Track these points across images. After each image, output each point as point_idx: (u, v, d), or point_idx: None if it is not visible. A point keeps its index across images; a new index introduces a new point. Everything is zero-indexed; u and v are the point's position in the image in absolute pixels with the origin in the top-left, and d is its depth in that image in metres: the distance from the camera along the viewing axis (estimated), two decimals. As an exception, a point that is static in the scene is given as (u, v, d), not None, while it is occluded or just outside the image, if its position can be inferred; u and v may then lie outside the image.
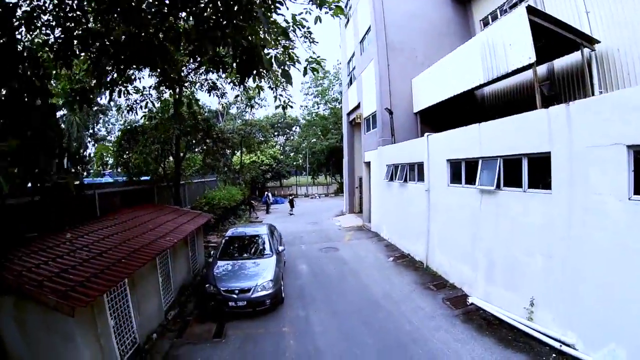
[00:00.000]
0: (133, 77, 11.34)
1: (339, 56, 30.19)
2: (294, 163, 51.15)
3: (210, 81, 15.18)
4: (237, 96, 14.99)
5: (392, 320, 7.75)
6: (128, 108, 14.06)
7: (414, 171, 12.72)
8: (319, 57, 6.32)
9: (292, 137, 57.01)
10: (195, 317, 8.53)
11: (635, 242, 4.93)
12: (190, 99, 12.99)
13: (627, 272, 5.04)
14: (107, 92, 6.27)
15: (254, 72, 4.74)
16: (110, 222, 8.55)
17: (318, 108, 49.87)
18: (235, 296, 8.18)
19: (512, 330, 6.87)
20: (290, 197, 30.97)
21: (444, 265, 10.29)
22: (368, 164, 19.19)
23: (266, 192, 32.29)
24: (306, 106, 51.11)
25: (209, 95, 15.33)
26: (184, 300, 9.47)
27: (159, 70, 6.14)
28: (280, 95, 9.71)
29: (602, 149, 5.47)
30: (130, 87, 10.67)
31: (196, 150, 15.86)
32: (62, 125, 33.67)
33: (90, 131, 36.59)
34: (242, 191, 27.97)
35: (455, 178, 10.07)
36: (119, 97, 7.81)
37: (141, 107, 14.10)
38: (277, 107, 10.29)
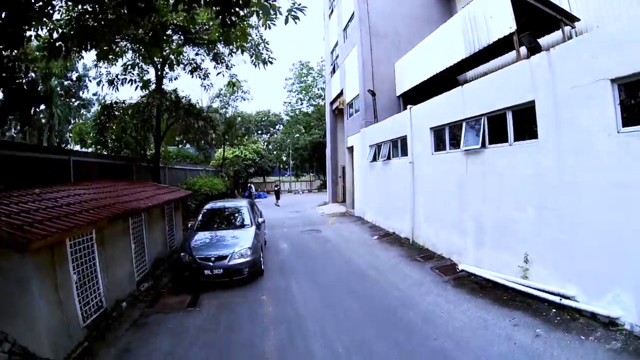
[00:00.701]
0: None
1: (322, 53, 29.73)
2: (277, 159, 50.61)
3: (193, 62, 14.77)
4: (219, 73, 14.33)
5: (379, 288, 7.32)
6: (109, 81, 13.59)
7: (397, 147, 12.48)
8: (300, 4, 5.96)
9: (275, 135, 56.53)
10: (170, 289, 7.94)
11: (629, 174, 4.72)
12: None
13: (625, 209, 4.78)
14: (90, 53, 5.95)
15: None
16: (84, 187, 7.95)
17: (302, 104, 49.80)
18: (211, 264, 7.65)
19: (506, 291, 6.50)
20: (277, 187, 29.86)
21: (431, 238, 10.02)
22: (351, 149, 18.92)
23: (249, 184, 31.49)
24: (289, 102, 51.03)
25: (192, 77, 14.81)
26: (159, 274, 8.87)
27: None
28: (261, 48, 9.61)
29: (586, 88, 5.34)
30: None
31: (178, 132, 15.25)
32: (43, 120, 32.58)
33: (72, 125, 35.35)
34: (225, 183, 27.31)
35: (439, 146, 9.85)
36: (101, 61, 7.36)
37: (122, 83, 13.69)
38: (256, 63, 10.10)
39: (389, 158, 13.09)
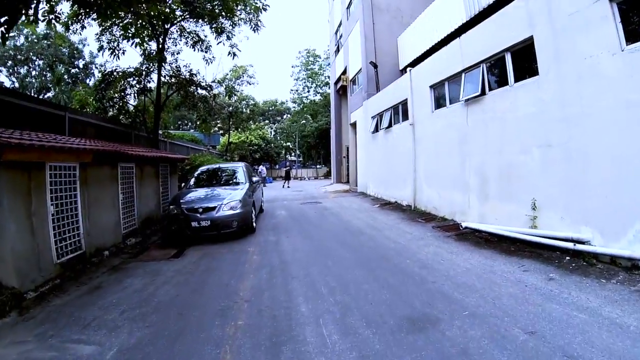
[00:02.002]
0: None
1: (328, 39, 29.01)
2: (283, 145, 50.34)
3: (194, 34, 14.45)
4: (219, 42, 13.97)
5: (375, 241, 6.90)
6: (111, 50, 13.42)
7: (398, 113, 11.99)
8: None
9: (282, 123, 56.25)
10: (157, 244, 7.72)
11: (638, 92, 4.26)
12: None
13: (638, 131, 4.34)
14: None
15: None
16: (77, 138, 7.82)
17: (308, 92, 49.35)
18: (198, 215, 7.36)
19: (514, 243, 5.99)
20: (288, 168, 29.29)
21: (433, 201, 9.57)
22: (354, 124, 18.47)
23: (261, 166, 30.55)
24: (296, 90, 50.62)
25: (194, 50, 14.49)
26: (149, 233, 8.67)
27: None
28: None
29: (584, 12, 5.02)
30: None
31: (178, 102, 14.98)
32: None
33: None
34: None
35: (439, 103, 9.39)
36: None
37: (123, 52, 13.52)
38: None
39: (390, 126, 12.62)
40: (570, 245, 5.10)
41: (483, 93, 7.34)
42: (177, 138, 21.02)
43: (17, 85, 34.85)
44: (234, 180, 9.23)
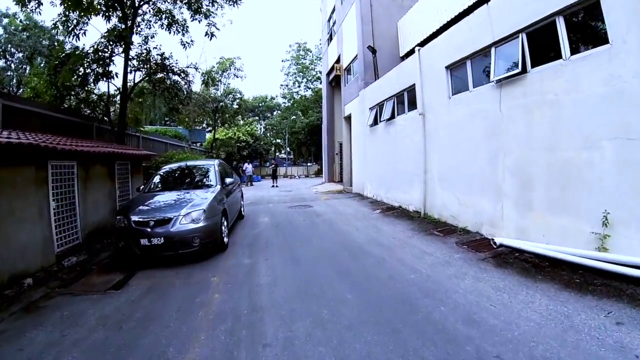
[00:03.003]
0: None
1: (319, 35, 26.95)
2: (273, 142, 48.44)
3: (168, 12, 12.47)
4: (193, 19, 12.09)
5: (386, 268, 5.10)
6: (69, 30, 11.42)
7: (404, 102, 10.22)
8: None
9: (272, 120, 54.31)
10: (103, 266, 5.88)
11: None
12: None
13: None
14: None
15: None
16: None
17: (299, 87, 47.47)
18: (149, 230, 5.53)
19: (575, 270, 4.32)
20: (274, 165, 27.04)
21: (450, 207, 7.84)
22: (348, 118, 16.68)
23: (247, 163, 27.90)
24: (287, 85, 48.68)
25: (169, 33, 12.52)
26: (98, 248, 6.84)
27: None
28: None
29: None
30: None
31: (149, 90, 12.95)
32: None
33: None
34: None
35: (458, 87, 7.69)
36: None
37: (84, 32, 11.52)
38: None
39: (392, 117, 10.85)
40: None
41: (524, 71, 5.61)
42: (152, 133, 19.05)
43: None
44: (204, 182, 7.39)
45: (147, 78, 12.15)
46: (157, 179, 7.76)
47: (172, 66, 12.26)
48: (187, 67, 12.61)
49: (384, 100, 11.61)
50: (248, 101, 50.29)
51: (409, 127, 9.64)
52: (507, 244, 5.56)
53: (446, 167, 7.99)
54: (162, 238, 5.52)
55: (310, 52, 46.65)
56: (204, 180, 7.44)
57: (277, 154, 50.13)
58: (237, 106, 30.55)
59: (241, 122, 38.46)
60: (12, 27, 31.44)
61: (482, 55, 6.75)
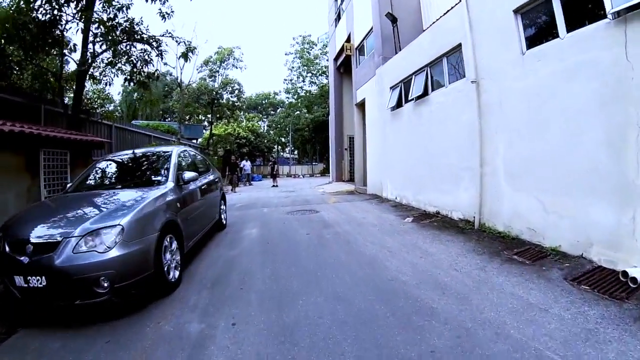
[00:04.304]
0: None
1: (324, 26, 24.08)
2: (275, 139, 45.90)
3: None
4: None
5: (471, 345, 2.51)
6: None
7: (442, 71, 7.53)
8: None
9: (275, 117, 51.83)
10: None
11: None
12: None
13: None
14: None
15: None
16: None
17: (303, 81, 44.85)
18: (25, 260, 3.01)
19: None
20: (272, 163, 24.25)
21: (527, 215, 5.11)
22: (362, 104, 13.99)
23: (243, 161, 24.60)
24: (290, 80, 46.12)
25: (146, 1, 9.95)
26: None
27: None
28: None
29: None
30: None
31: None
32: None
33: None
34: (210, 161, 22.32)
35: (534, 37, 5.05)
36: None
37: None
38: None
39: (425, 94, 8.17)
40: None
41: None
42: (131, 124, 16.54)
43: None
44: (150, 178, 4.75)
45: (112, 48, 9.56)
46: (92, 172, 5.17)
47: (142, 33, 9.69)
48: (162, 35, 10.06)
49: (411, 74, 8.93)
50: (251, 98, 47.88)
51: (453, 104, 6.99)
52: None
53: (520, 156, 5.30)
54: (44, 277, 2.93)
55: (315, 45, 44.15)
56: (152, 174, 4.82)
57: (281, 153, 47.62)
58: (235, 99, 27.86)
59: (241, 117, 35.93)
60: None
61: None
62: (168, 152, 5.23)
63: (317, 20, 76.91)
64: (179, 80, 21.20)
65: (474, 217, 6.15)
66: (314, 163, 40.92)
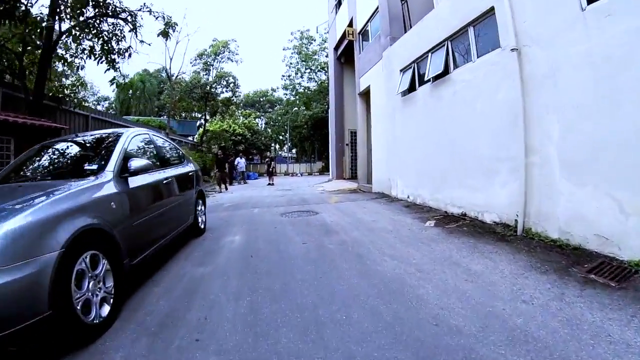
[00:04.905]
0: None
1: (321, 19, 22.59)
2: (273, 137, 44.56)
3: None
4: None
5: None
6: None
7: (469, 44, 6.25)
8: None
9: (272, 114, 50.52)
10: None
11: None
12: None
13: None
14: None
15: None
16: None
17: (301, 77, 43.49)
18: None
19: None
20: (268, 160, 22.99)
21: (595, 219, 3.77)
22: (366, 93, 12.67)
23: (237, 158, 22.94)
24: (288, 76, 44.76)
25: None
26: None
27: None
28: None
29: None
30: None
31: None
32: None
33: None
34: (203, 159, 20.95)
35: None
36: None
37: None
38: None
39: (445, 73, 6.88)
40: None
41: None
42: (110, 115, 15.25)
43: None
44: (83, 168, 3.44)
45: (77, 18, 8.21)
46: (23, 158, 3.89)
47: (115, 6, 8.35)
48: (139, 10, 8.73)
49: (426, 52, 7.62)
50: (248, 95, 46.52)
51: (484, 81, 5.69)
52: None
53: (585, 141, 3.99)
54: None
55: (314, 40, 42.79)
56: (86, 162, 3.51)
57: (279, 152, 46.29)
58: (230, 93, 26.50)
59: (237, 113, 34.51)
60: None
61: None
62: (118, 134, 3.92)
63: (315, 16, 75.65)
64: (166, 68, 19.87)
65: (516, 219, 4.85)
66: (312, 161, 39.61)
